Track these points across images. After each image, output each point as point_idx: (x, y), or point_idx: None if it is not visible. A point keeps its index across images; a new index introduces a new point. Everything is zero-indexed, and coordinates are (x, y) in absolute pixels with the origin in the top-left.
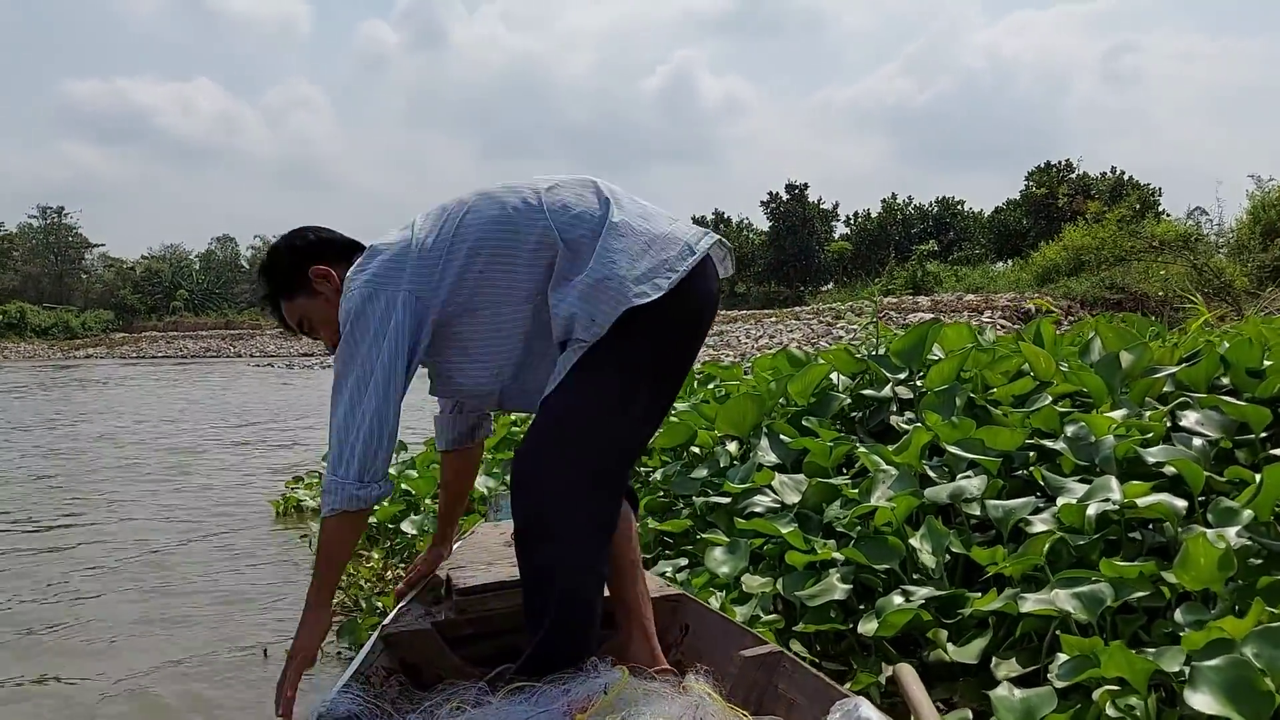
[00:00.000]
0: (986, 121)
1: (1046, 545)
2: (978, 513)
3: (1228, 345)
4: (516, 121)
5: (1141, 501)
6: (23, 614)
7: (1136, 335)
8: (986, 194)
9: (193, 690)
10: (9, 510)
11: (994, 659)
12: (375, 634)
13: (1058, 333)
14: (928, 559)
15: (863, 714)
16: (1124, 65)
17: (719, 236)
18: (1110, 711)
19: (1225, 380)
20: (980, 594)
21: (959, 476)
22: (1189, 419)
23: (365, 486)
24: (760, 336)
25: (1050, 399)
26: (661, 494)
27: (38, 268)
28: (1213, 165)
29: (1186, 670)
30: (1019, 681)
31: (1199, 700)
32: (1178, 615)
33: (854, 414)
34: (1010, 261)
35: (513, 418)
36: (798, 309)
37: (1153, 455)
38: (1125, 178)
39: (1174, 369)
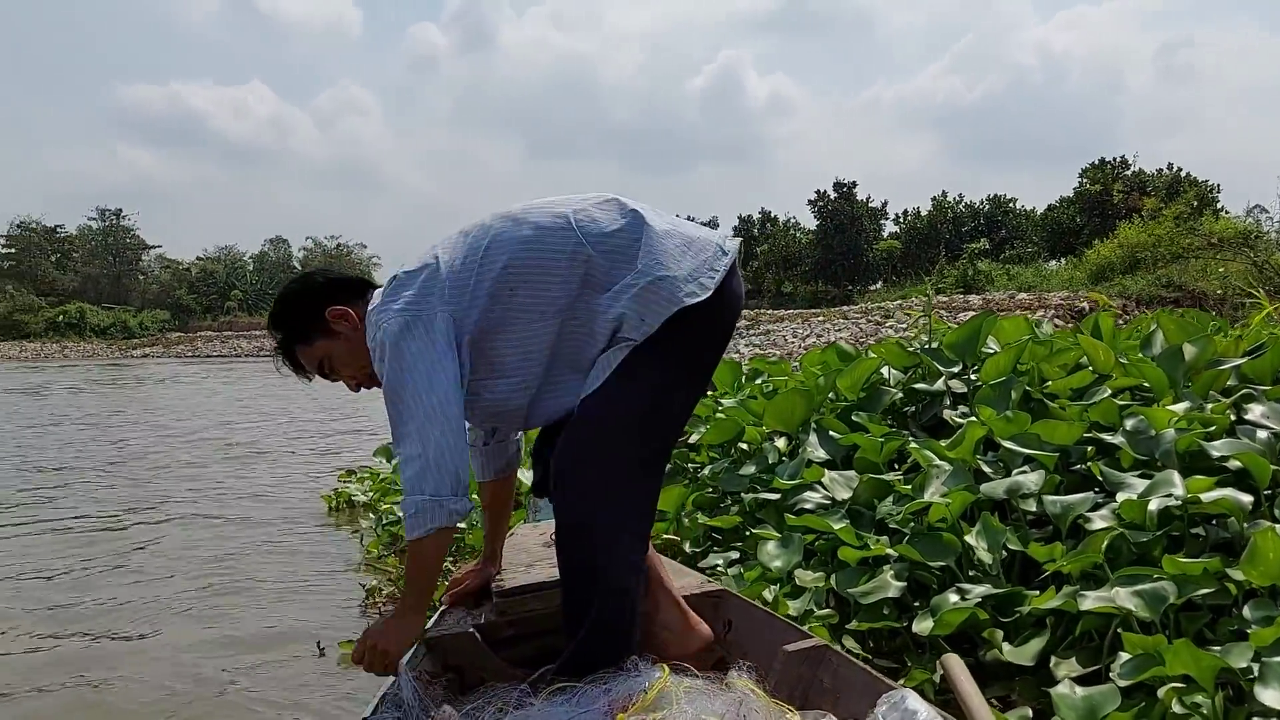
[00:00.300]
0: (1038, 118)
1: (1106, 542)
2: (1034, 509)
3: None
4: (563, 122)
5: (1205, 496)
6: (80, 603)
7: (1199, 328)
8: (1038, 191)
9: (245, 682)
10: (71, 502)
11: (1053, 658)
12: (419, 638)
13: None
14: (984, 556)
15: (909, 706)
16: (1179, 60)
17: (739, 238)
18: (1176, 709)
19: None
20: (1038, 591)
21: (1014, 472)
22: (1254, 412)
23: (458, 500)
24: (808, 336)
25: (1109, 392)
26: (710, 490)
27: (97, 269)
28: (1273, 161)
29: (1255, 667)
30: (1079, 680)
31: (1270, 696)
32: (1245, 612)
33: (905, 409)
34: (1063, 260)
35: None
36: (845, 308)
37: (1216, 449)
38: (1182, 174)
39: (1239, 361)
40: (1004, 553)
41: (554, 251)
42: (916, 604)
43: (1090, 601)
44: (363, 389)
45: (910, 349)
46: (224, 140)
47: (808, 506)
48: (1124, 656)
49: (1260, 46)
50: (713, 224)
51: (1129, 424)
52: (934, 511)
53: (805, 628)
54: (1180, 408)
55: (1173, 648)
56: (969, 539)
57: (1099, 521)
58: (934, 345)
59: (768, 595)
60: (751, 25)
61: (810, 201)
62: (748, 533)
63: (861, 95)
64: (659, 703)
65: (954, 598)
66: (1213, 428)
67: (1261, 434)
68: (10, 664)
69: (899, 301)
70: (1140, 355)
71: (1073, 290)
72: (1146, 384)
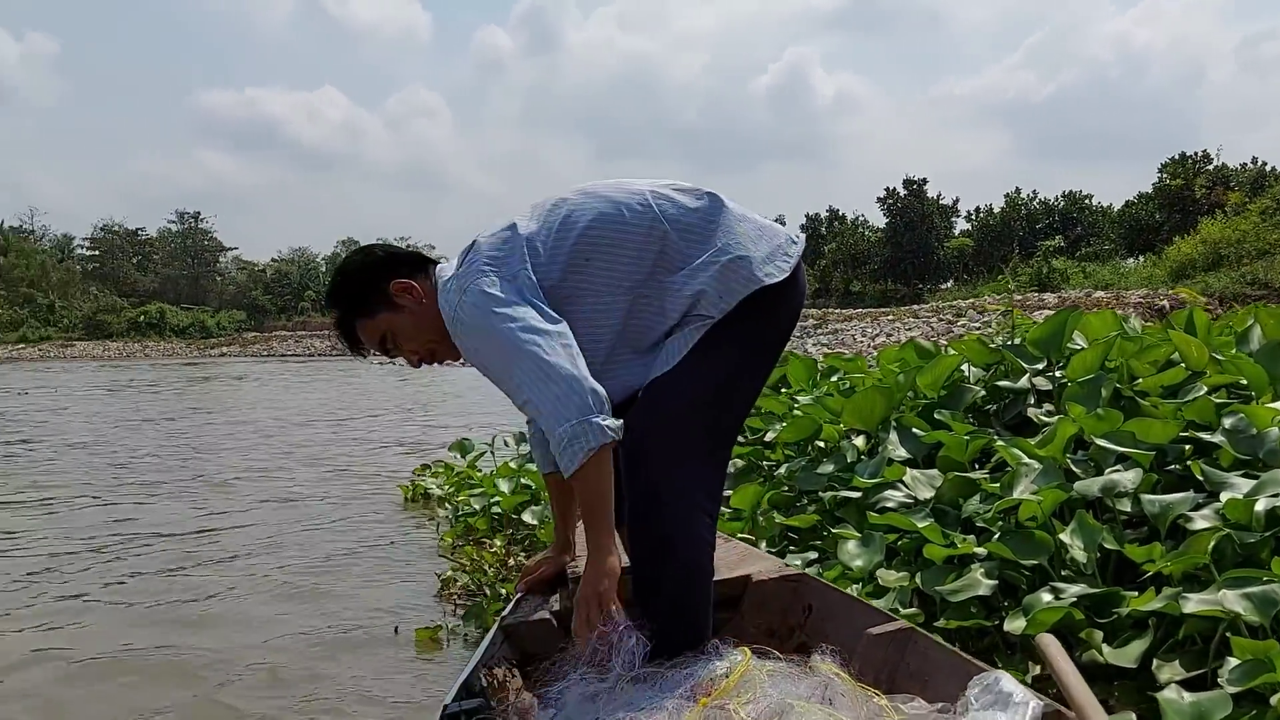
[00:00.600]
0: (1115, 113)
1: (1211, 543)
2: (1128, 508)
3: None
4: (629, 123)
5: None
6: (164, 587)
7: None
8: (1116, 187)
9: (326, 665)
10: (155, 494)
11: (1155, 661)
12: (495, 625)
13: None
14: (1078, 555)
15: (1004, 688)
16: (1263, 53)
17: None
18: None
19: None
20: (1136, 593)
21: (1107, 470)
22: None
23: (606, 415)
24: (877, 335)
25: (1205, 390)
26: (785, 488)
27: (176, 270)
28: None
29: None
30: (1184, 685)
31: None
32: None
33: (987, 407)
34: (1142, 257)
35: None
36: (915, 306)
37: None
38: (1268, 169)
39: None
40: (1098, 552)
41: (631, 226)
42: (1004, 604)
43: (1195, 604)
44: (423, 364)
45: (992, 346)
46: (297, 144)
47: (889, 505)
48: (1232, 662)
49: None
50: (779, 222)
51: (1228, 422)
52: (1024, 509)
53: None
54: None
55: None
56: (1063, 537)
57: (1201, 522)
58: (1016, 342)
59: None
60: (819, 23)
61: (879, 199)
62: (825, 532)
63: (930, 91)
64: (742, 686)
65: (1047, 597)
66: None
67: None
68: (104, 635)
69: (971, 300)
70: (1237, 352)
71: (1152, 288)
72: (1244, 381)
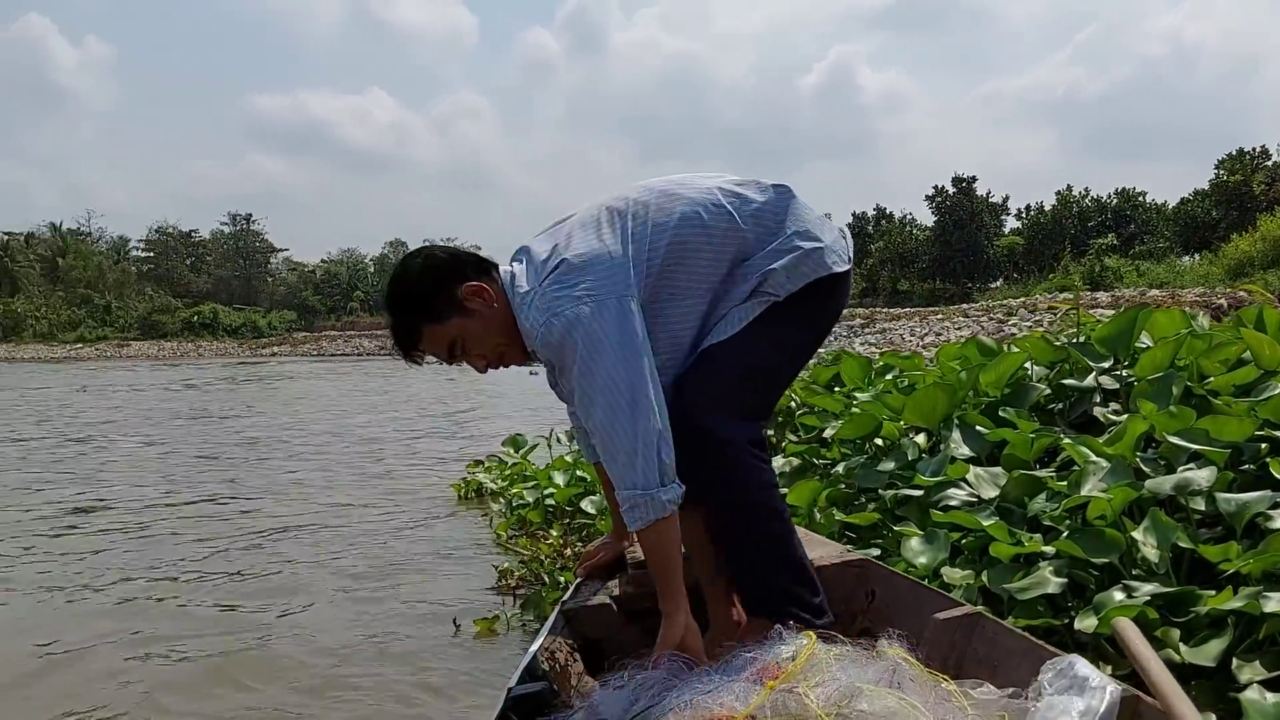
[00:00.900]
0: (1168, 109)
1: None
2: (1202, 507)
3: None
4: (674, 123)
5: None
6: (225, 583)
7: None
8: (1170, 184)
9: (388, 652)
10: (217, 488)
11: (1234, 660)
12: (555, 610)
13: None
14: (1151, 554)
15: (1079, 672)
16: None
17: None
18: None
19: None
20: (1213, 591)
21: (1179, 469)
22: None
23: (667, 489)
24: (925, 334)
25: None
26: (844, 486)
27: (228, 271)
28: None
29: None
30: (1265, 685)
31: None
32: None
33: (1051, 406)
34: (1197, 255)
35: None
36: (965, 306)
37: None
38: None
39: None
40: (1170, 551)
41: (711, 228)
42: (1071, 604)
43: (1275, 603)
44: (489, 369)
45: (1057, 344)
46: (346, 146)
47: (953, 503)
48: None
49: None
50: None
51: None
52: (1094, 507)
53: None
54: None
55: None
56: (1135, 536)
57: None
58: (1081, 340)
59: None
60: (864, 22)
61: (928, 197)
62: (887, 530)
63: (978, 89)
64: (809, 670)
65: (1120, 595)
66: None
67: None
68: (171, 629)
69: (1022, 299)
70: None
71: (1209, 286)
72: None
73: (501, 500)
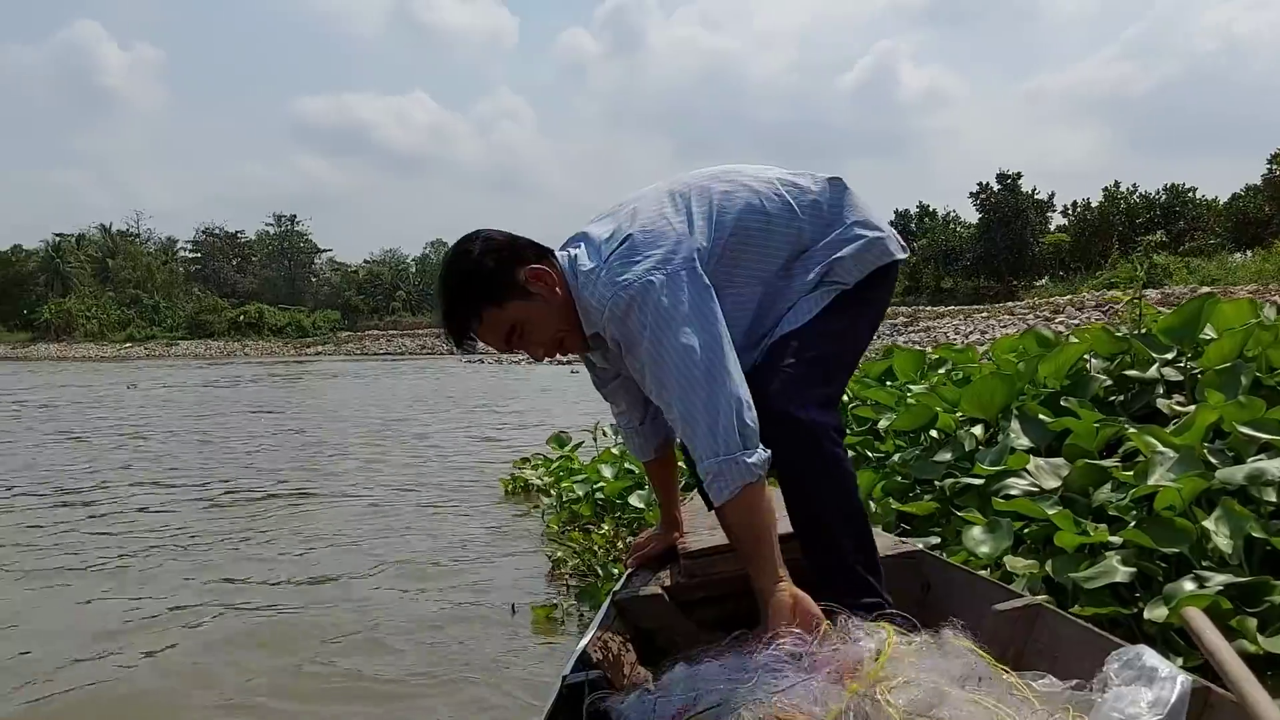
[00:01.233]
0: (1219, 104)
1: None
2: (1273, 498)
3: None
4: (711, 122)
5: None
6: (284, 571)
7: None
8: (1221, 180)
9: (447, 641)
10: (269, 480)
11: None
12: (608, 600)
13: None
14: (1222, 544)
15: (1147, 662)
16: None
17: None
18: None
19: None
20: None
21: (1248, 460)
22: None
23: (752, 452)
24: (970, 332)
25: None
26: (899, 476)
27: (273, 271)
28: None
29: None
30: None
31: None
32: None
33: (1112, 397)
34: (1249, 252)
35: None
36: (1011, 304)
37: None
38: None
39: None
40: (1242, 542)
41: (774, 218)
42: (1137, 595)
43: None
44: (547, 358)
45: (1118, 334)
46: (388, 147)
47: (1013, 493)
48: None
49: None
50: None
51: None
52: (1162, 497)
53: None
54: None
55: None
56: (1206, 525)
57: None
58: (1144, 331)
59: None
60: (908, 18)
61: (972, 194)
62: (944, 521)
63: (1024, 85)
64: (891, 667)
65: (1190, 585)
66: None
67: None
68: (241, 608)
69: (1069, 297)
70: None
71: (1262, 283)
72: None
73: (550, 495)
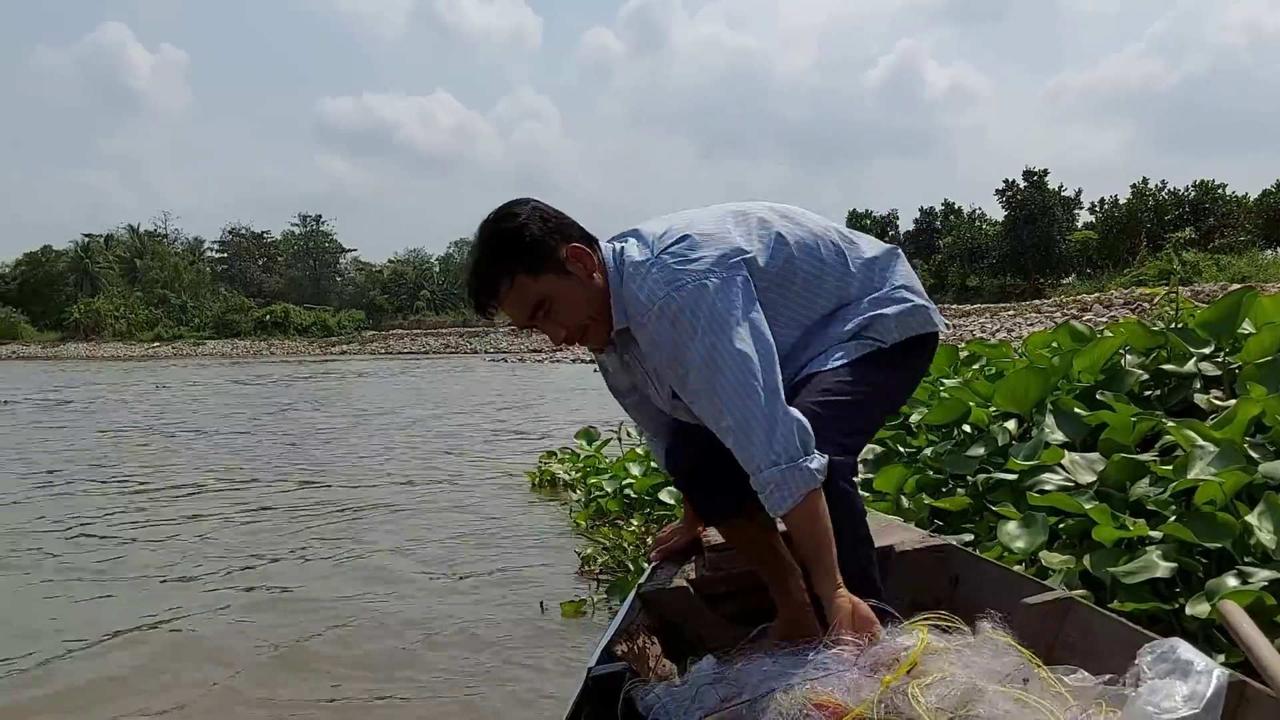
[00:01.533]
0: (1248, 100)
1: None
2: None
3: None
4: (736, 121)
5: None
6: (312, 568)
7: None
8: (1251, 176)
9: (478, 634)
10: (298, 476)
11: None
12: (633, 593)
13: None
14: (1265, 539)
15: (1182, 656)
16: None
17: None
18: None
19: None
20: None
21: None
22: None
23: (813, 458)
24: (997, 330)
25: None
26: (931, 471)
27: (299, 271)
28: None
29: None
30: None
31: None
32: None
33: (1148, 392)
34: None
35: None
36: (1038, 301)
37: None
38: None
39: None
40: None
41: (828, 266)
42: (1176, 590)
43: None
44: (565, 345)
45: (1155, 329)
46: (412, 147)
47: (1048, 488)
48: None
49: None
50: (892, 217)
51: None
52: (1203, 492)
53: None
54: None
55: None
56: (1249, 520)
57: None
58: (1181, 325)
59: None
60: (931, 15)
61: (998, 191)
62: (977, 516)
63: (1049, 82)
64: (928, 661)
65: (1233, 580)
66: None
67: None
68: (269, 603)
69: (1096, 295)
70: None
71: None
72: None
73: (579, 490)
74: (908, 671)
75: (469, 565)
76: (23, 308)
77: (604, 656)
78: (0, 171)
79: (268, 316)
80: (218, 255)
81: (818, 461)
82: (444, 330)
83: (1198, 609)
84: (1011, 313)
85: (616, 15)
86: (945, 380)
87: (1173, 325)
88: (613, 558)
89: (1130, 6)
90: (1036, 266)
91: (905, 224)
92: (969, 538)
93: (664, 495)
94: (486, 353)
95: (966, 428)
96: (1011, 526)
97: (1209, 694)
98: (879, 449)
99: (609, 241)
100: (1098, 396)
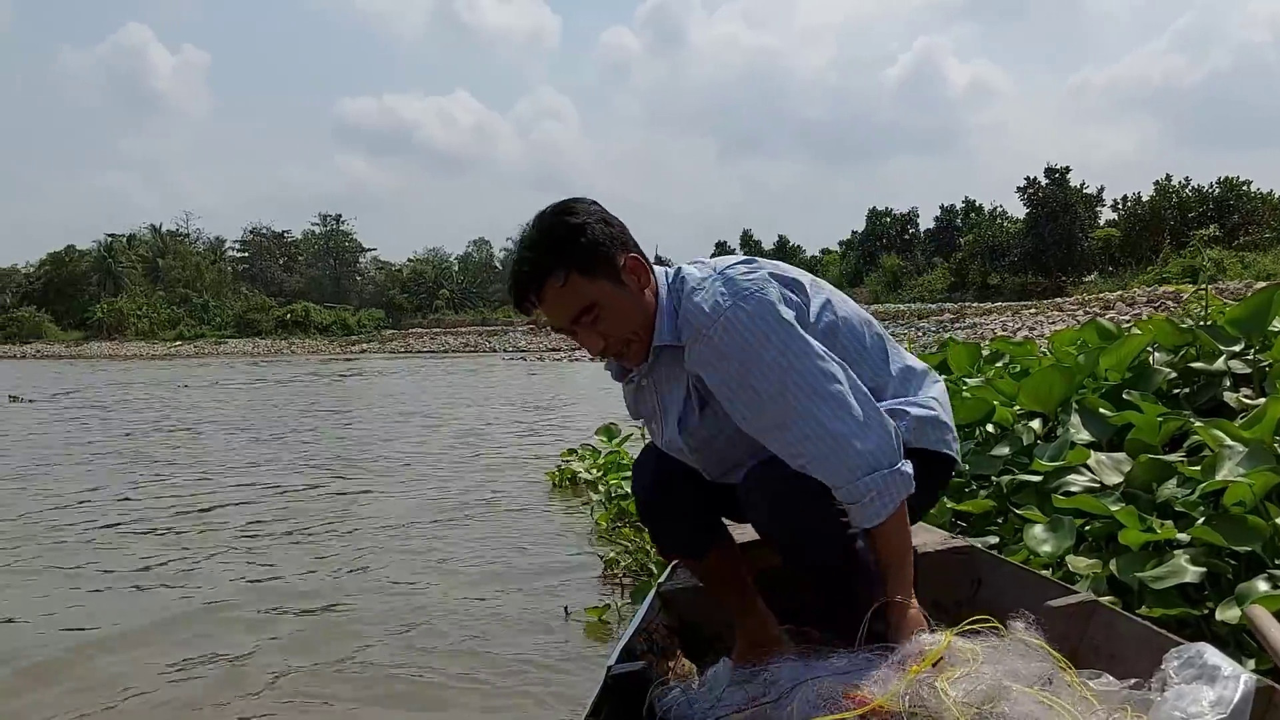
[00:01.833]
0: (1272, 95)
1: None
2: None
3: None
4: (755, 120)
5: None
6: (333, 566)
7: None
8: (1277, 172)
9: (501, 638)
10: (319, 476)
11: None
12: (652, 592)
13: None
14: None
15: (1209, 660)
16: None
17: None
18: None
19: None
20: None
21: None
22: None
23: (906, 461)
24: (1019, 329)
25: None
26: (954, 473)
27: (319, 270)
28: None
29: None
30: None
31: None
32: None
33: (1176, 391)
34: None
35: None
36: (1060, 300)
37: None
38: None
39: None
40: None
41: (869, 354)
42: (1205, 594)
43: None
44: (600, 357)
45: (1183, 326)
46: (431, 147)
47: (1074, 489)
48: None
49: None
50: (912, 215)
51: None
52: (1232, 493)
53: None
54: None
55: None
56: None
57: None
58: (1209, 323)
59: None
60: (951, 12)
61: (1019, 189)
62: (1001, 519)
63: (1071, 79)
64: (953, 659)
65: (1264, 585)
66: None
67: None
68: (279, 618)
69: (1119, 293)
70: None
71: None
72: None
73: (600, 489)
74: (934, 665)
75: (489, 570)
76: (47, 307)
77: (624, 655)
78: (25, 173)
79: (288, 315)
80: (239, 255)
81: (910, 465)
82: (463, 329)
83: (1228, 614)
84: (1033, 311)
85: (634, 14)
86: (968, 380)
87: (1201, 323)
88: (635, 561)
89: (1152, 3)
90: (1058, 264)
91: (926, 222)
92: (994, 540)
93: None
94: (505, 351)
95: (990, 427)
96: (1038, 530)
97: (1236, 699)
98: None
99: (661, 265)
100: (1124, 395)
